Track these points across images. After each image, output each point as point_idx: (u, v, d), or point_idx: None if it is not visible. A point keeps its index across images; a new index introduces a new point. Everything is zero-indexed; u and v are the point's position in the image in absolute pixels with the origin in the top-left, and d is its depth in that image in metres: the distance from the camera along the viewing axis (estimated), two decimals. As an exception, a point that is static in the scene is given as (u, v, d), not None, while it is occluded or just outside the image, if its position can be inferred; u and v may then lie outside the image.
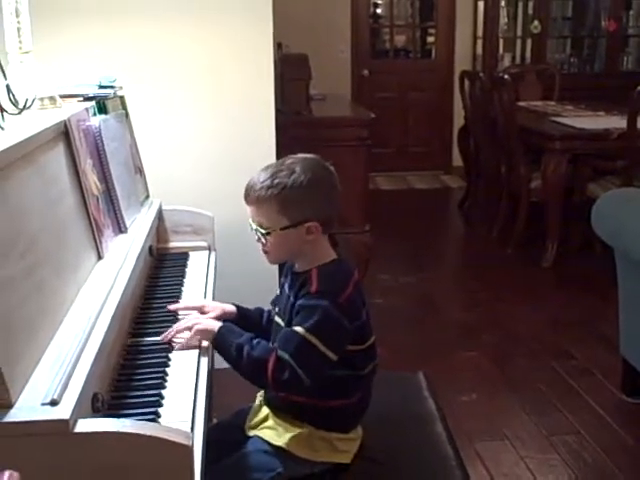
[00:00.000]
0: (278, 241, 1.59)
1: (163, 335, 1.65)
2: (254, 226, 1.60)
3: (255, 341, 1.57)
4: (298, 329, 1.52)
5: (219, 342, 1.61)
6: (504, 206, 5.00)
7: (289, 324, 1.58)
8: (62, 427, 1.09)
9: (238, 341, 1.57)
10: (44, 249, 1.42)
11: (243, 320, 1.78)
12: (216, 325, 1.63)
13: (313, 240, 1.59)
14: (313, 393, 1.58)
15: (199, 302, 1.83)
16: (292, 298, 1.60)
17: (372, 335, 1.67)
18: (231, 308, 1.80)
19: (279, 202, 1.55)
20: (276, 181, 1.55)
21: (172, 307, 1.82)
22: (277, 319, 1.69)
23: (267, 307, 1.82)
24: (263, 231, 1.58)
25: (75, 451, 1.11)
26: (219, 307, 1.80)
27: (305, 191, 1.56)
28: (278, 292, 1.76)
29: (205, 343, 1.64)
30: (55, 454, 1.11)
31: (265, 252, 1.63)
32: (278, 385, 1.54)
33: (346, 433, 1.66)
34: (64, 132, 1.74)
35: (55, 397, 1.12)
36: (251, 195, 1.58)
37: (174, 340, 1.63)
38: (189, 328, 1.64)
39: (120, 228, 1.97)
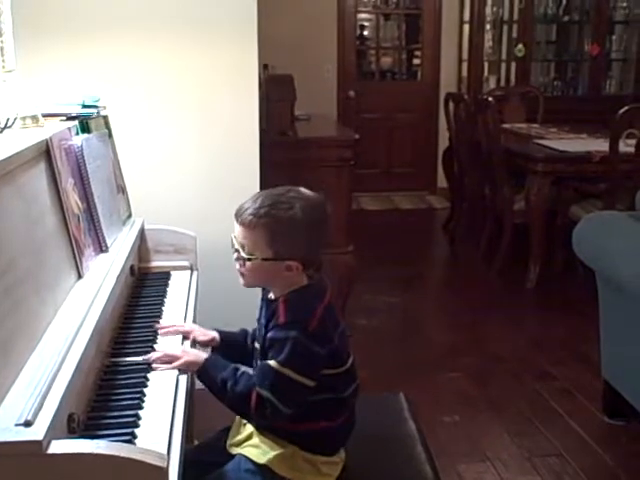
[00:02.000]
0: (256, 269, 1.58)
1: (148, 355, 1.63)
2: (236, 245, 1.59)
3: (239, 373, 1.57)
4: (272, 364, 1.52)
5: (203, 375, 1.60)
6: (488, 227, 5.03)
7: (264, 354, 1.58)
8: (35, 448, 1.08)
9: (222, 375, 1.57)
10: (23, 268, 1.42)
11: (227, 346, 1.78)
12: (202, 357, 1.62)
13: (291, 276, 1.59)
14: (297, 418, 1.57)
15: (189, 325, 1.83)
16: (263, 329, 1.61)
17: (350, 357, 1.66)
18: (215, 335, 1.79)
19: (269, 233, 1.54)
20: (273, 212, 1.54)
21: (159, 327, 1.81)
22: (255, 344, 1.69)
23: (250, 327, 1.81)
24: (244, 255, 1.57)
25: (49, 472, 1.10)
26: (204, 333, 1.79)
27: (298, 231, 1.55)
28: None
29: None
30: (29, 475, 1.10)
31: (241, 274, 1.62)
32: (261, 419, 1.57)
33: (331, 456, 1.65)
34: (45, 151, 1.74)
35: (29, 418, 1.11)
36: (244, 216, 1.56)
37: (157, 365, 1.61)
38: (177, 357, 1.61)
39: (101, 247, 1.96)
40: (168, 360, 1.61)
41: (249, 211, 1.55)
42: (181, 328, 1.81)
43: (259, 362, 1.60)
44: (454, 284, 4.92)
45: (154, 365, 1.60)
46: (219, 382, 1.56)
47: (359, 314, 4.00)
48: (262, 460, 1.60)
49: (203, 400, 2.04)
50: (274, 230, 1.54)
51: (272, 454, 1.60)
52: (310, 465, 1.61)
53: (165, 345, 1.72)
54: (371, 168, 6.94)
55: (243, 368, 1.61)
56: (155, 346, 1.71)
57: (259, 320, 1.69)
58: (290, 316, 1.54)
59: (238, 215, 1.58)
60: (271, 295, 1.65)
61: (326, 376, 1.58)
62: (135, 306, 2.00)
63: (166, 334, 1.78)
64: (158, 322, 1.86)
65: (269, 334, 1.56)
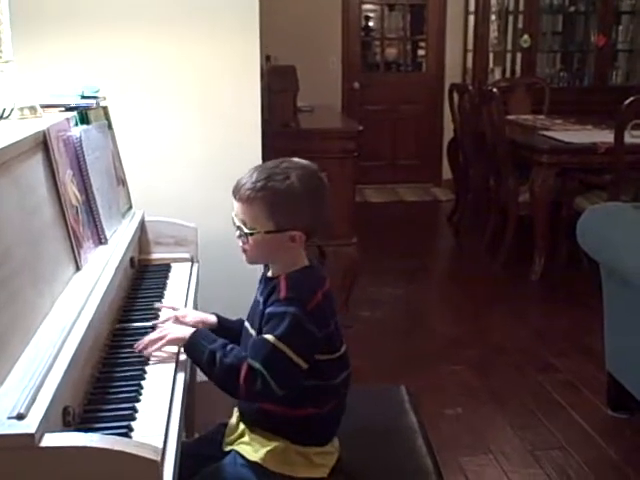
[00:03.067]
0: (259, 243, 1.57)
1: (136, 345, 1.63)
2: (237, 223, 1.57)
3: (229, 347, 1.55)
4: (268, 337, 1.50)
5: (191, 348, 1.58)
6: (493, 219, 5.01)
7: (259, 331, 1.56)
8: (28, 441, 1.07)
9: (211, 347, 1.55)
10: (19, 260, 1.40)
11: (224, 330, 1.75)
12: (188, 331, 1.61)
13: (294, 248, 1.58)
14: (284, 402, 1.55)
15: (181, 311, 1.81)
16: (261, 305, 1.59)
17: (343, 345, 1.64)
18: (212, 318, 1.78)
19: (269, 206, 1.53)
20: (270, 184, 1.52)
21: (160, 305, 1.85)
22: (246, 324, 1.68)
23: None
24: (246, 230, 1.56)
25: (42, 466, 1.09)
26: (199, 316, 1.79)
27: (297, 200, 1.53)
28: None
29: (183, 357, 1.62)
30: (21, 469, 1.09)
31: (244, 250, 1.60)
32: (250, 394, 1.52)
33: (322, 446, 1.63)
34: (43, 142, 1.73)
35: (22, 411, 1.10)
36: (241, 192, 1.55)
37: (146, 351, 1.61)
38: (161, 338, 1.62)
39: (100, 239, 1.95)
40: (154, 343, 1.61)
41: (246, 186, 1.54)
42: (176, 307, 1.83)
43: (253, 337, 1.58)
44: (458, 276, 4.90)
45: (144, 352, 1.59)
46: (207, 353, 1.53)
47: (363, 306, 3.99)
48: (254, 457, 1.58)
49: (205, 393, 2.04)
50: (273, 202, 1.53)
51: (264, 451, 1.58)
52: (303, 458, 1.59)
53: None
54: (376, 160, 6.92)
55: (233, 345, 1.59)
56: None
57: (255, 298, 1.67)
58: (291, 292, 1.53)
59: (235, 192, 1.57)
60: (269, 273, 1.64)
61: (318, 361, 1.56)
62: (134, 298, 1.99)
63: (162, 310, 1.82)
64: (158, 314, 1.86)
65: (268, 309, 1.54)
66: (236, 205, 1.57)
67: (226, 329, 1.77)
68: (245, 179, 1.56)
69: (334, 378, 1.62)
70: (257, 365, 1.48)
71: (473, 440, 2.72)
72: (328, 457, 1.64)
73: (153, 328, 1.76)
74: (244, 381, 1.48)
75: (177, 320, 1.76)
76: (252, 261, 1.64)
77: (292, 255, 1.60)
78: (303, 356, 1.51)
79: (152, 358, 1.60)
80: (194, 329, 1.62)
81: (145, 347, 1.61)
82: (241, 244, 1.60)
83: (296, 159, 1.61)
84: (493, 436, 2.75)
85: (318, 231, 1.62)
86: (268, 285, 1.61)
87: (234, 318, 1.83)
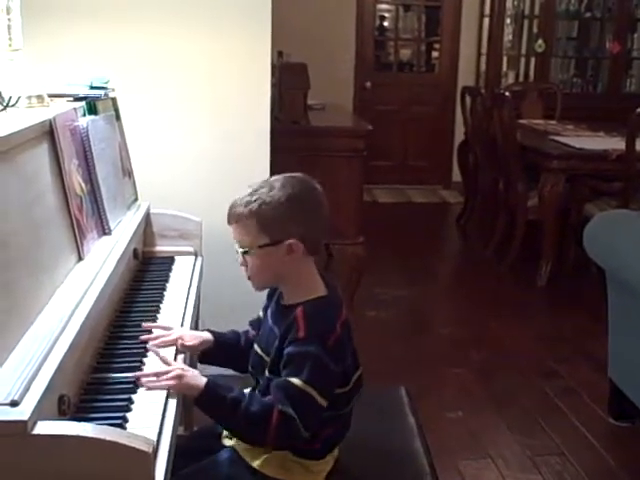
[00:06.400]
0: (258, 261, 1.54)
1: (140, 376, 1.48)
2: (236, 247, 1.56)
3: (248, 393, 1.52)
4: (295, 381, 1.46)
5: (206, 399, 1.48)
6: (501, 223, 4.99)
7: (275, 364, 1.53)
8: (20, 428, 1.07)
9: (232, 395, 1.47)
10: (17, 248, 1.40)
11: (221, 346, 1.73)
12: (202, 382, 1.49)
13: (296, 262, 1.54)
14: None
15: (176, 333, 1.70)
16: (278, 339, 1.53)
17: (358, 369, 1.63)
18: (208, 335, 1.73)
19: (258, 219, 1.51)
20: (254, 197, 1.52)
21: (145, 337, 1.66)
22: (257, 349, 1.64)
23: (252, 314, 1.78)
24: (241, 250, 1.54)
25: (34, 454, 1.09)
26: (197, 337, 1.72)
27: (284, 207, 1.51)
28: (261, 314, 1.71)
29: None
30: (14, 456, 1.09)
31: (248, 277, 1.57)
32: (279, 440, 1.48)
33: (322, 459, 1.62)
34: (49, 131, 1.73)
35: (16, 398, 1.10)
36: (232, 214, 1.55)
37: (151, 384, 1.46)
38: (172, 378, 1.47)
39: (104, 230, 1.95)
40: (164, 379, 1.48)
41: (234, 206, 1.54)
42: (168, 338, 1.67)
43: (267, 374, 1.54)
44: (464, 279, 4.89)
45: (149, 385, 1.46)
46: (229, 403, 1.46)
47: (368, 306, 3.98)
48: (253, 463, 1.57)
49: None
50: (262, 214, 1.51)
51: (263, 457, 1.56)
52: (300, 466, 1.58)
53: (158, 364, 1.55)
54: (385, 160, 6.91)
55: (247, 389, 1.56)
56: (146, 360, 1.58)
57: (265, 320, 1.65)
58: (310, 329, 1.49)
59: (228, 217, 1.56)
60: (284, 298, 1.60)
61: (335, 395, 1.54)
62: (137, 290, 1.99)
63: (154, 347, 1.62)
64: (155, 317, 1.83)
65: (287, 349, 1.50)
66: (232, 229, 1.56)
67: (222, 345, 1.73)
68: (234, 201, 1.55)
69: (347, 406, 1.62)
70: (290, 411, 1.44)
71: (472, 444, 2.71)
72: (325, 464, 1.63)
73: (153, 320, 1.76)
74: (275, 428, 1.44)
75: (182, 345, 1.67)
76: (259, 285, 1.60)
77: (300, 273, 1.56)
78: (326, 396, 1.49)
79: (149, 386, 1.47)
80: (207, 379, 1.50)
81: (147, 380, 1.47)
82: (245, 271, 1.57)
83: (287, 173, 1.58)
84: (493, 440, 2.74)
85: (319, 239, 1.58)
86: (284, 315, 1.56)
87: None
